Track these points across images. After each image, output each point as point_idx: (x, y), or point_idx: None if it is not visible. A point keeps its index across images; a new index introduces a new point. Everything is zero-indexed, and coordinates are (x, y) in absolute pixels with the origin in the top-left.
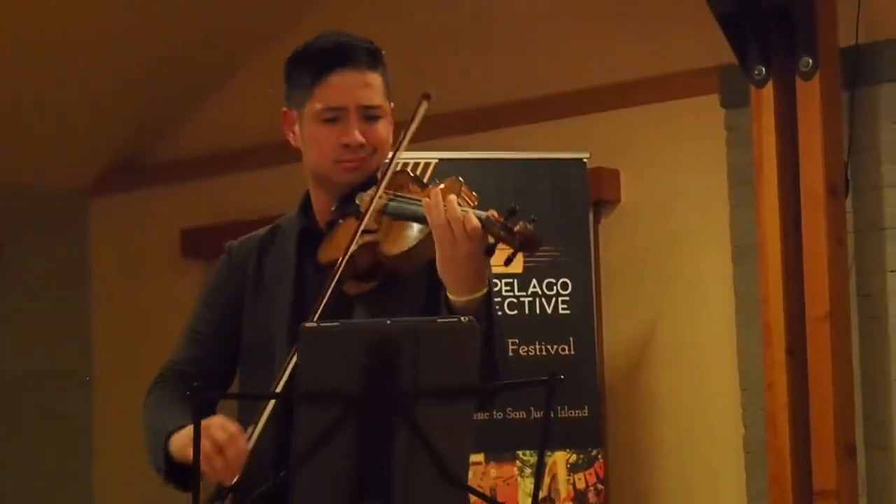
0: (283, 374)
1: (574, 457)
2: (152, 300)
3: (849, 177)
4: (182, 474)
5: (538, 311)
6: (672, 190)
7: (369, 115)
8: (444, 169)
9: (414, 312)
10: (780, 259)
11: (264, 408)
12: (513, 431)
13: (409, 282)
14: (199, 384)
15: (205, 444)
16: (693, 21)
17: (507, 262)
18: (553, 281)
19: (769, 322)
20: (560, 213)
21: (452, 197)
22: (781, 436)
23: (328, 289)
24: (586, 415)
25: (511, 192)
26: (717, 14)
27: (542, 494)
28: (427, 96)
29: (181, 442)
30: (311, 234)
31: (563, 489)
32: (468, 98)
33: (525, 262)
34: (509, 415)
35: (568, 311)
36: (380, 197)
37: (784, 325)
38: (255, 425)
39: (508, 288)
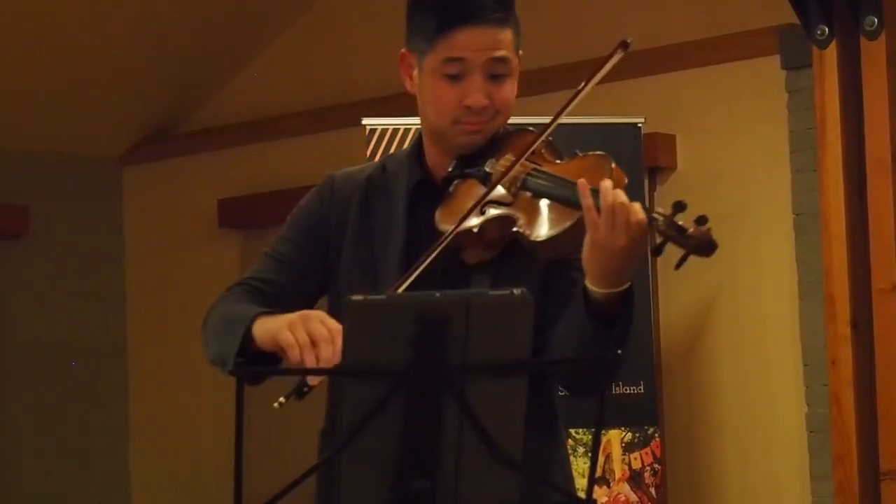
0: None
1: (629, 435)
2: (188, 271)
3: None
4: (256, 361)
5: None
6: (731, 156)
7: (495, 72)
8: None
9: (532, 288)
10: (843, 228)
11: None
12: (565, 409)
13: (530, 255)
14: (242, 360)
15: (300, 335)
16: None
17: (678, 265)
18: None
19: (833, 294)
20: None
21: (608, 182)
22: (846, 414)
23: (427, 258)
24: (642, 391)
25: None
26: None
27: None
28: (625, 45)
29: (270, 325)
30: (425, 187)
31: (618, 469)
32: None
33: None
34: (561, 391)
35: None
36: (517, 169)
37: (849, 297)
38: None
39: None
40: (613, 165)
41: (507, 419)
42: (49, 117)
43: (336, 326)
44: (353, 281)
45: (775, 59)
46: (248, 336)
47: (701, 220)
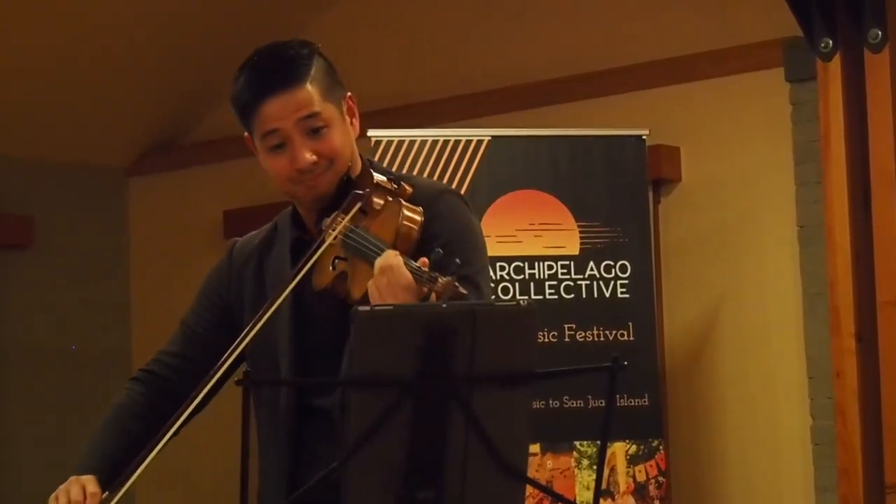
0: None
1: (634, 448)
2: (193, 282)
3: None
4: None
5: (596, 295)
6: (735, 168)
7: (312, 127)
8: (496, 147)
9: None
10: (848, 240)
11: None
12: (570, 421)
13: None
14: (248, 370)
15: (62, 500)
16: None
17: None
18: (611, 263)
19: (837, 306)
20: (618, 193)
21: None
22: (851, 426)
23: (263, 314)
24: (646, 404)
25: (566, 170)
26: None
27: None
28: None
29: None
30: (303, 245)
31: (623, 482)
32: (523, 73)
33: (582, 243)
34: (566, 403)
35: (627, 295)
36: (340, 229)
37: (853, 310)
38: (117, 491)
39: (565, 271)
40: (403, 206)
41: (513, 429)
42: (54, 127)
43: (93, 491)
44: (255, 339)
45: (779, 72)
46: None
47: (455, 268)
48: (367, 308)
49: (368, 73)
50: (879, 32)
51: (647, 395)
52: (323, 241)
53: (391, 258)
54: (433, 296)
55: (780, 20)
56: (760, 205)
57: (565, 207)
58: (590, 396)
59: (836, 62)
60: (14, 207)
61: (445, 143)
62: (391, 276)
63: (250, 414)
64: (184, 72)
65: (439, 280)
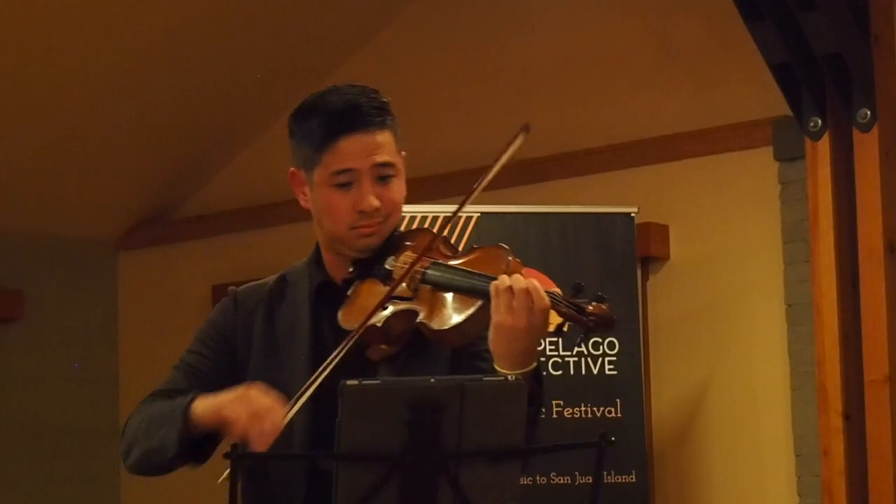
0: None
1: None
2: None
3: None
4: (201, 445)
5: (584, 372)
6: (724, 246)
7: (382, 174)
8: (486, 223)
9: (439, 374)
10: (836, 319)
11: (303, 390)
12: (557, 497)
13: (434, 346)
14: (236, 443)
15: (242, 409)
16: (746, 71)
17: (579, 342)
18: (599, 340)
19: (825, 385)
20: (607, 270)
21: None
22: None
23: (339, 353)
24: (634, 481)
25: (555, 247)
26: (771, 64)
27: None
28: (525, 128)
29: (212, 401)
30: (327, 291)
31: None
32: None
33: None
34: (553, 480)
35: (615, 372)
36: (416, 264)
37: (841, 389)
38: (293, 405)
39: (553, 347)
40: (510, 257)
41: (501, 503)
42: (45, 202)
43: (275, 399)
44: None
45: (768, 151)
46: (187, 418)
47: (599, 299)
48: (356, 382)
49: None
50: (868, 112)
51: (634, 472)
52: (408, 271)
53: (529, 280)
54: (583, 319)
55: (769, 100)
56: (749, 283)
57: (554, 284)
58: (577, 473)
59: (825, 141)
60: (4, 281)
61: (434, 219)
62: (536, 296)
63: (237, 487)
64: (173, 147)
65: (591, 304)
